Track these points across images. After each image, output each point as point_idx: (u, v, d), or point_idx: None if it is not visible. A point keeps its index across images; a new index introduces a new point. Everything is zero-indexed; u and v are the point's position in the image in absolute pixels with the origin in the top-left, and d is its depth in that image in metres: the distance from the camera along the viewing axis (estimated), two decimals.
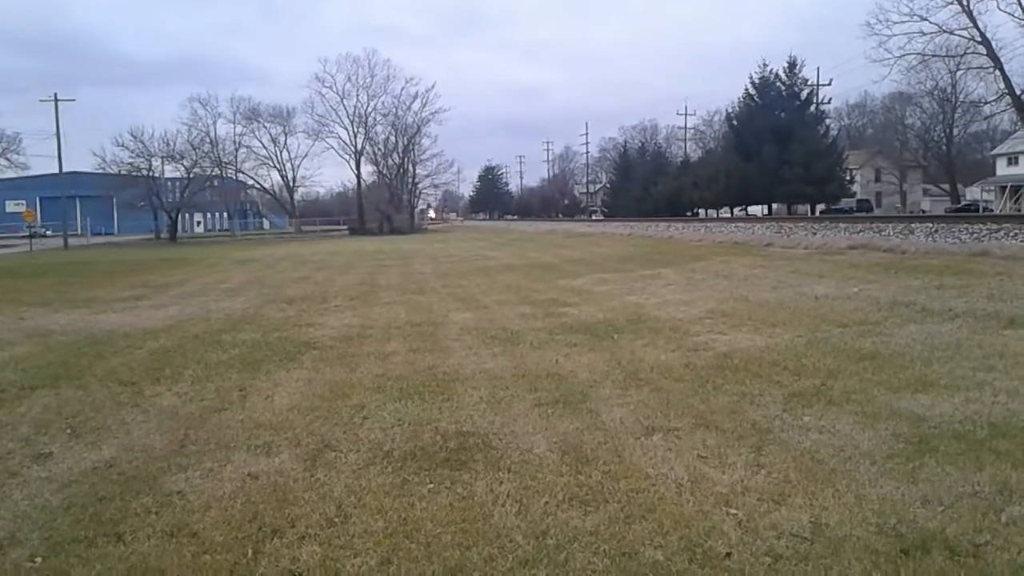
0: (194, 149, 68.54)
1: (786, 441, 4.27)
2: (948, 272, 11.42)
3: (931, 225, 18.11)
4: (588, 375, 6.10)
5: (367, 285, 15.24)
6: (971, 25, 42.91)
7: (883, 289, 10.19)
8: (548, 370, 6.34)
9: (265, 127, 77.97)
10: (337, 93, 72.19)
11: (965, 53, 45.87)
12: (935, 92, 61.58)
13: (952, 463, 3.79)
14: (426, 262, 22.37)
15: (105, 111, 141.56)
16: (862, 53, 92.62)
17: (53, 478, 4.09)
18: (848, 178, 54.96)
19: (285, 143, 79.52)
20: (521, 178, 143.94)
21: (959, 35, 44.29)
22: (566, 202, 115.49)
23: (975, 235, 15.57)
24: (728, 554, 2.96)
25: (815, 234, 20.90)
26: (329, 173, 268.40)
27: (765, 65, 54.35)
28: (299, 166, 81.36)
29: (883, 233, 18.32)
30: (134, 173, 63.34)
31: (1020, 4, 40.79)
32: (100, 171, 64.54)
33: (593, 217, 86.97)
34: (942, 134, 66.34)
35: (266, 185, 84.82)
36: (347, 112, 72.91)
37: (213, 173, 73.57)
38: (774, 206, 56.45)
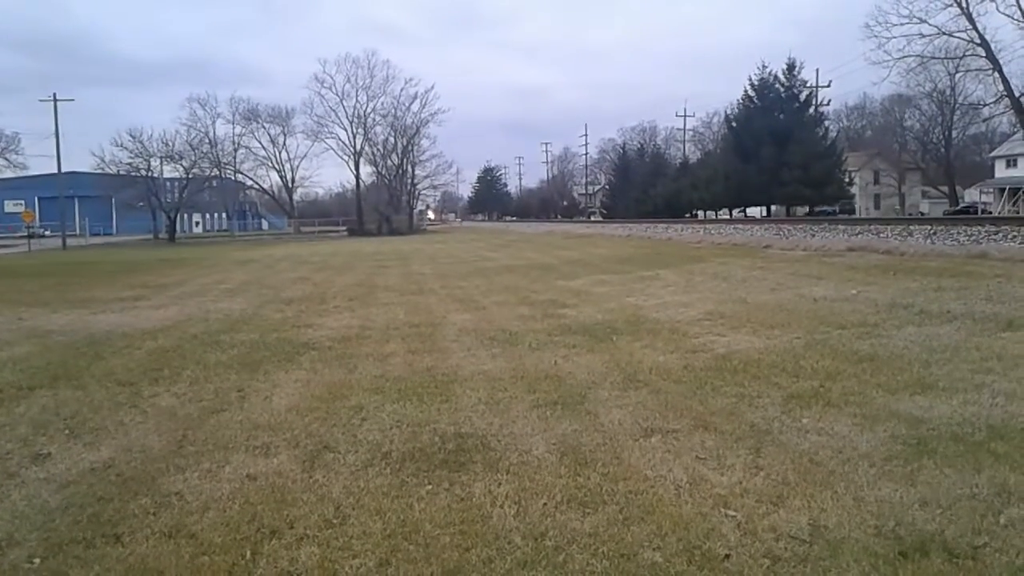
0: (193, 149, 68.64)
1: (785, 443, 4.27)
2: (946, 274, 11.43)
3: (930, 227, 18.14)
4: (587, 376, 6.10)
5: (366, 286, 15.24)
6: (970, 27, 42.96)
7: (882, 291, 10.20)
8: (547, 371, 6.34)
9: (264, 128, 78.02)
10: (336, 94, 72.27)
11: (964, 55, 45.91)
12: (934, 94, 61.68)
13: (950, 465, 3.79)
14: (425, 263, 22.36)
15: (104, 111, 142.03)
16: (861, 55, 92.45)
17: (51, 479, 4.09)
18: (847, 180, 55.06)
19: (284, 144, 79.56)
20: (520, 179, 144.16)
21: (958, 37, 44.34)
22: (565, 203, 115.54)
23: (973, 237, 15.60)
24: (727, 556, 2.96)
25: (814, 236, 20.92)
26: (328, 174, 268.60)
27: (764, 67, 54.44)
28: (298, 167, 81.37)
29: (882, 235, 18.35)
30: (133, 173, 63.34)
31: (1020, 6, 40.83)
32: (99, 171, 64.56)
33: (592, 218, 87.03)
34: (941, 136, 66.40)
35: (265, 186, 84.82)
36: (346, 113, 72.99)
37: (212, 174, 73.57)
38: (773, 208, 56.49)
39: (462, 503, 3.57)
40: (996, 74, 44.65)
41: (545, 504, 3.52)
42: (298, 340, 8.37)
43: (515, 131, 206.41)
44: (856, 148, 75.40)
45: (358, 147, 73.84)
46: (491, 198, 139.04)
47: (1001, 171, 60.40)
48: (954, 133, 66.22)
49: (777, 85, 53.94)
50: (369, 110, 72.93)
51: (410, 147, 73.97)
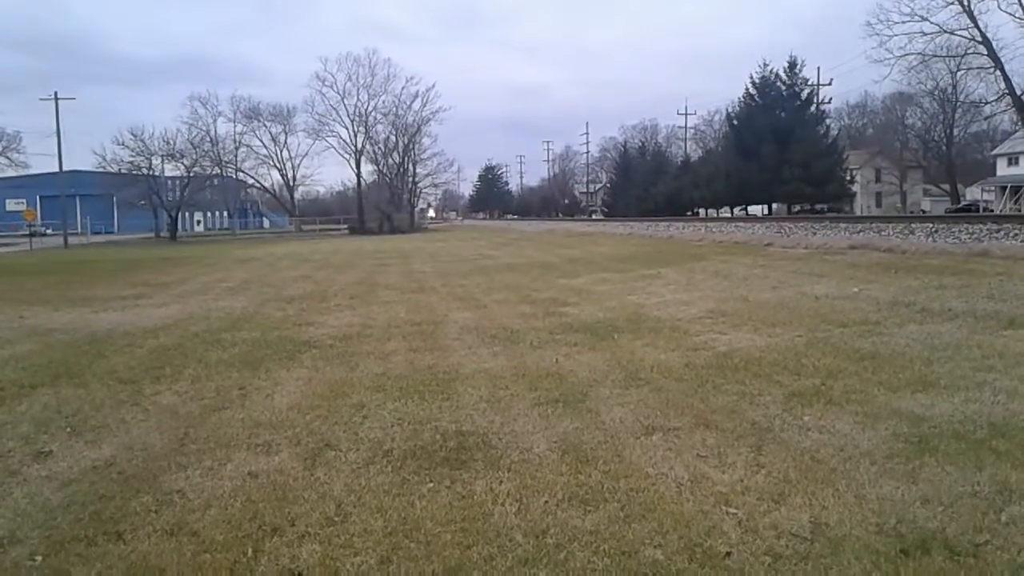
0: (194, 148, 68.67)
1: (786, 441, 4.27)
2: (948, 272, 11.42)
3: (931, 225, 18.10)
4: (588, 374, 6.10)
5: (367, 284, 15.24)
6: (972, 25, 42.96)
7: (883, 289, 10.19)
8: (548, 369, 6.34)
9: (265, 126, 78.17)
10: (337, 92, 72.29)
11: (966, 53, 45.94)
12: (935, 92, 61.61)
13: (952, 463, 3.79)
14: (426, 261, 22.37)
15: (105, 110, 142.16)
16: (863, 53, 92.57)
17: (53, 476, 4.09)
18: (848, 178, 54.99)
19: (285, 142, 79.76)
20: (521, 177, 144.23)
21: (960, 35, 44.36)
22: (566, 201, 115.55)
23: (975, 235, 15.58)
24: (728, 553, 2.96)
25: (815, 234, 20.90)
26: (329, 172, 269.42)
27: (765, 65, 54.47)
28: (299, 165, 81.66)
29: (883, 233, 18.32)
30: (134, 172, 63.40)
31: (1021, 4, 40.81)
32: (100, 170, 64.59)
33: (593, 217, 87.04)
34: (942, 134, 66.34)
35: (266, 184, 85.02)
36: (347, 111, 72.99)
37: (213, 172, 73.69)
38: (774, 206, 56.45)
39: (463, 501, 3.57)
40: (997, 72, 44.67)
41: (546, 502, 3.52)
42: (299, 338, 8.38)
43: (516, 130, 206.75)
44: (857, 146, 75.30)
45: (359, 145, 73.96)
46: (492, 196, 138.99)
47: (1003, 169, 60.29)
48: (955, 131, 66.18)
49: (778, 83, 53.93)
50: (370, 108, 73.03)
51: (411, 145, 74.01)
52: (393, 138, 74.16)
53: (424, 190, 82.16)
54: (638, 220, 47.51)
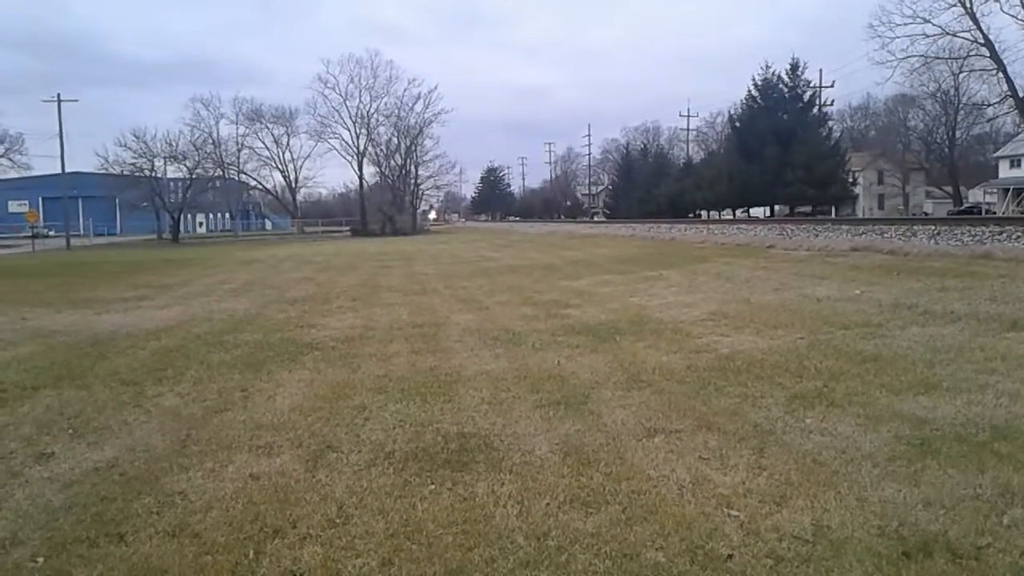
0: (197, 150, 68.80)
1: (788, 443, 4.27)
2: (950, 275, 11.41)
3: (933, 227, 18.12)
4: (590, 377, 6.10)
5: (369, 286, 15.25)
6: (974, 27, 42.96)
7: (885, 291, 10.18)
8: (550, 371, 6.34)
9: (268, 128, 78.33)
10: (340, 94, 72.32)
11: (968, 55, 45.94)
12: (938, 94, 61.65)
13: (954, 466, 3.79)
14: (428, 263, 22.38)
15: (106, 111, 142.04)
16: (865, 55, 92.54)
17: (55, 478, 4.10)
18: (850, 180, 54.97)
19: (288, 144, 79.86)
20: (523, 179, 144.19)
21: (962, 37, 44.35)
22: (568, 203, 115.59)
23: (977, 237, 15.57)
24: (730, 556, 2.96)
25: (817, 236, 20.90)
26: (331, 174, 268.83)
27: (768, 67, 54.49)
28: (301, 167, 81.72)
29: (885, 235, 18.31)
30: (137, 174, 63.48)
31: (1023, 6, 40.76)
32: (103, 171, 64.67)
33: (595, 218, 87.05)
34: (945, 136, 66.31)
35: (268, 186, 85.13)
36: (349, 113, 73.03)
37: (216, 174, 73.79)
38: (776, 208, 56.44)
39: (465, 503, 3.57)
40: (1000, 74, 44.68)
41: (548, 504, 3.52)
42: (302, 340, 8.38)
43: (518, 131, 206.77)
44: (860, 148, 75.30)
45: (361, 147, 74.00)
46: (494, 198, 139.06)
47: (1005, 171, 60.21)
48: (958, 133, 66.14)
49: (781, 85, 53.94)
50: (372, 110, 73.09)
51: (413, 147, 74.03)
52: (395, 140, 74.33)
53: (426, 192, 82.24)
54: (640, 222, 47.54)
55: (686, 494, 3.58)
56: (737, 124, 57.83)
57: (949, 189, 67.35)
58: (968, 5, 42.06)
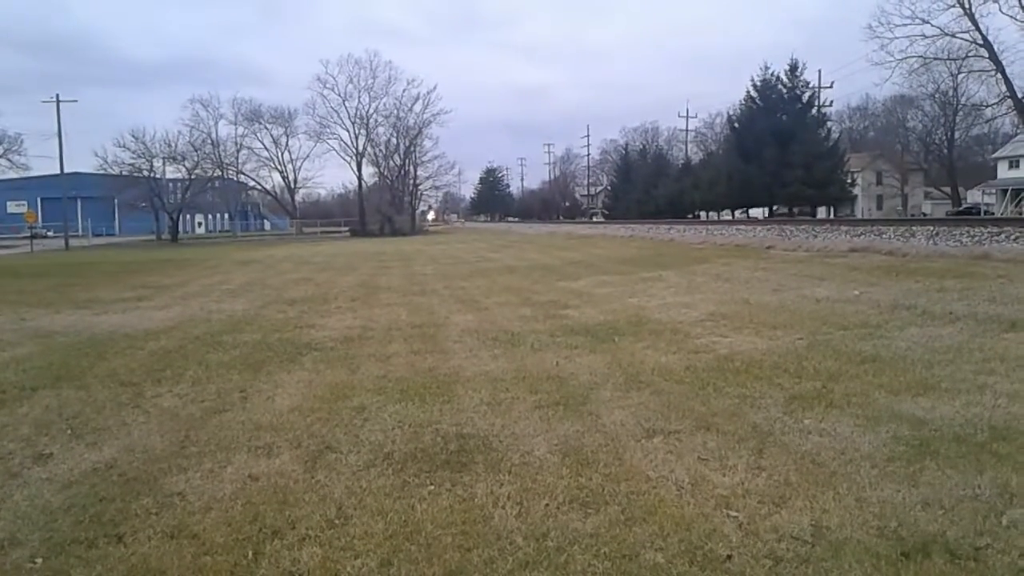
0: (195, 150, 68.79)
1: (787, 444, 4.27)
2: (949, 275, 11.42)
3: (932, 228, 18.13)
4: (589, 377, 6.10)
5: (368, 286, 15.24)
6: (973, 28, 43.00)
7: (884, 292, 10.19)
8: (549, 372, 6.34)
9: (266, 128, 78.22)
10: (339, 94, 72.22)
11: (967, 56, 45.95)
12: (936, 95, 61.71)
13: (953, 466, 3.79)
14: (427, 263, 22.37)
15: (105, 112, 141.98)
16: (864, 56, 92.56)
17: (54, 479, 4.09)
18: (849, 181, 55.03)
19: (286, 144, 79.76)
20: (522, 180, 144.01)
21: (961, 38, 44.37)
22: (567, 204, 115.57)
23: (976, 238, 15.59)
24: (729, 556, 2.96)
25: (816, 237, 20.91)
26: (330, 174, 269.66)
27: (767, 68, 54.58)
28: (300, 167, 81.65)
29: (884, 236, 18.33)
30: (135, 174, 63.50)
31: (1022, 6, 40.82)
32: (101, 172, 64.65)
33: (594, 219, 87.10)
34: (943, 137, 66.41)
35: (267, 186, 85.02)
36: (348, 113, 72.94)
37: (214, 174, 73.73)
38: (775, 208, 56.48)
39: (464, 504, 3.57)
40: (999, 75, 44.72)
41: (547, 505, 3.52)
42: (300, 341, 8.38)
43: (517, 132, 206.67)
44: (859, 149, 75.40)
45: (360, 148, 73.93)
46: (493, 199, 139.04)
47: (1004, 172, 60.27)
48: (957, 134, 66.23)
49: (779, 86, 54.01)
50: (371, 111, 72.98)
51: (412, 148, 73.95)
52: (394, 140, 74.19)
53: (425, 192, 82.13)
54: (639, 222, 47.54)
55: (685, 495, 3.58)
56: (736, 125, 57.90)
57: (948, 190, 67.44)
58: (967, 6, 42.13)
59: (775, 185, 51.08)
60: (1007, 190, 56.65)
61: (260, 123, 77.55)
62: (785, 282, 12.19)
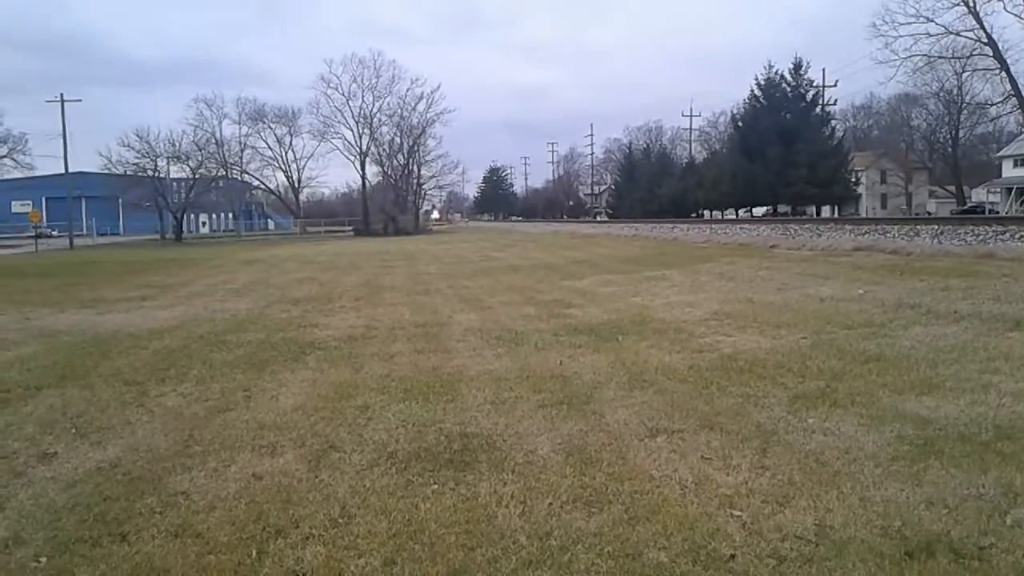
0: (199, 150, 68.97)
1: (790, 443, 4.26)
2: (954, 274, 11.39)
3: (936, 227, 18.08)
4: (592, 376, 6.10)
5: (372, 286, 15.26)
6: (977, 26, 42.97)
7: (888, 291, 10.17)
8: (552, 371, 6.34)
9: (270, 128, 78.40)
10: (342, 94, 72.34)
11: (971, 55, 45.95)
12: (941, 94, 61.55)
13: (957, 465, 3.78)
14: (431, 263, 22.39)
15: (108, 111, 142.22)
16: (868, 54, 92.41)
17: (58, 478, 4.10)
18: (853, 180, 54.91)
19: (290, 144, 79.88)
20: (526, 179, 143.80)
21: (965, 36, 44.35)
22: (571, 203, 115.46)
23: (981, 237, 15.54)
24: (732, 556, 2.96)
25: (820, 236, 20.87)
26: (334, 174, 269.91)
27: (770, 66, 54.48)
28: (304, 167, 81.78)
29: (888, 235, 18.29)
30: (140, 174, 63.67)
31: None
32: (106, 171, 64.77)
33: (598, 218, 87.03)
34: (948, 136, 66.19)
35: (271, 186, 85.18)
36: (352, 113, 73.04)
37: (218, 174, 73.93)
38: (779, 207, 56.40)
39: (467, 503, 3.57)
40: (1003, 73, 44.67)
41: (550, 504, 3.52)
42: (304, 340, 8.39)
43: (520, 131, 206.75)
44: (863, 148, 75.22)
45: (364, 147, 74.02)
46: (497, 198, 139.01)
47: (1008, 171, 60.11)
48: (961, 133, 66.03)
49: (783, 85, 53.92)
50: (375, 110, 73.08)
51: (416, 147, 74.03)
52: (398, 140, 74.27)
53: (429, 192, 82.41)
54: (643, 222, 47.51)
55: (688, 494, 3.58)
56: (740, 124, 57.83)
57: (952, 189, 67.25)
58: (971, 4, 42.09)
59: (779, 184, 51.01)
60: (1012, 189, 56.49)
61: (264, 122, 77.84)
62: (789, 281, 12.17)
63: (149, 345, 8.30)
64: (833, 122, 57.96)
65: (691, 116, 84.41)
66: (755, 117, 54.53)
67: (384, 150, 74.80)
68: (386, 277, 17.50)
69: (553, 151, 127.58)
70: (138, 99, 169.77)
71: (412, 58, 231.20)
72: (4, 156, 67.54)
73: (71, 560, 3.12)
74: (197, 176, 67.00)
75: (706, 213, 64.12)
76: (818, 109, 54.53)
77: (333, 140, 75.25)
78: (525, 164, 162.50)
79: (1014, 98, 45.42)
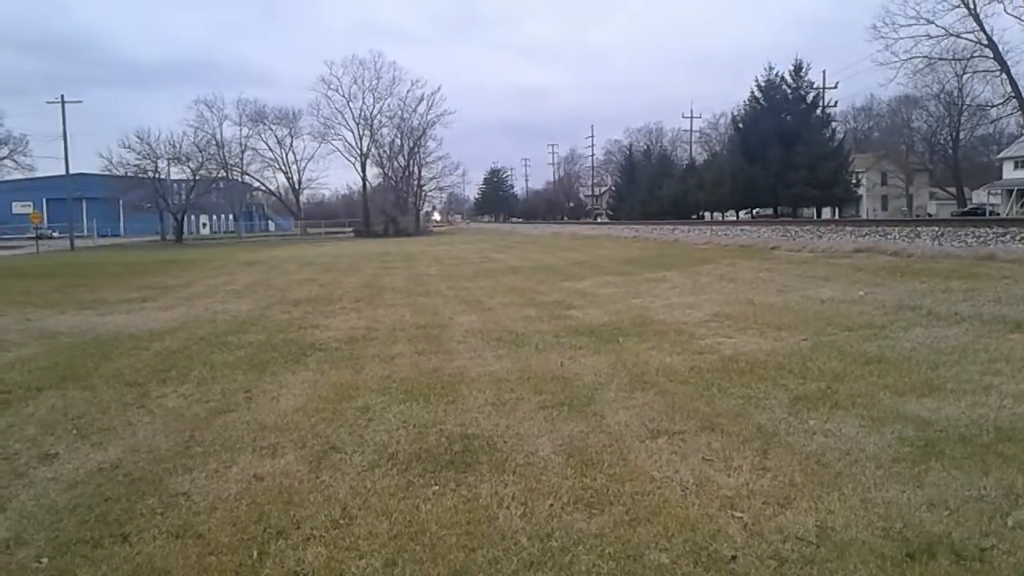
0: (200, 151, 68.91)
1: (791, 444, 4.26)
2: (954, 276, 11.39)
3: (937, 229, 18.09)
4: (593, 378, 6.10)
5: (372, 287, 15.26)
6: (978, 28, 42.97)
7: (889, 293, 10.17)
8: (553, 373, 6.34)
9: (271, 129, 78.33)
10: (343, 95, 72.29)
11: (972, 56, 45.93)
12: (941, 95, 61.58)
13: (958, 467, 3.78)
14: (431, 264, 22.39)
15: (108, 112, 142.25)
16: (868, 56, 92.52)
17: (59, 479, 4.11)
18: (854, 181, 54.93)
19: (291, 145, 79.76)
20: (526, 181, 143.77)
21: (966, 38, 44.34)
22: (571, 205, 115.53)
23: (981, 239, 15.55)
24: (733, 557, 2.96)
25: (820, 237, 20.87)
26: (335, 175, 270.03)
27: (771, 68, 54.55)
28: (304, 168, 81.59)
29: (889, 237, 18.30)
30: (140, 175, 63.64)
31: None
32: (106, 173, 64.75)
33: (598, 220, 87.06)
34: (948, 137, 66.22)
35: (272, 187, 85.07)
36: (353, 114, 72.99)
37: (219, 175, 73.87)
38: (779, 209, 56.39)
39: (468, 504, 3.57)
40: (1004, 75, 44.65)
41: (551, 505, 3.52)
42: (305, 341, 8.39)
43: (519, 133, 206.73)
44: (863, 149, 75.23)
45: (364, 149, 74.00)
46: (497, 200, 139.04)
47: (1009, 172, 60.12)
48: (962, 134, 66.05)
49: (784, 86, 53.97)
50: (375, 112, 73.04)
51: (416, 149, 73.99)
52: (398, 141, 74.23)
53: (429, 193, 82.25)
54: (643, 223, 47.53)
55: (689, 495, 3.58)
56: (740, 125, 57.87)
57: (953, 190, 67.26)
58: (972, 6, 42.09)
59: (779, 186, 51.04)
60: (1012, 191, 56.50)
61: (264, 124, 77.76)
62: (790, 283, 12.17)
63: (150, 346, 8.30)
64: (833, 124, 58.01)
65: (691, 117, 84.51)
66: (755, 119, 54.56)
67: (385, 151, 74.86)
68: (386, 278, 17.50)
69: (553, 152, 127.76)
70: (138, 100, 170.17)
71: (412, 59, 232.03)
72: (5, 157, 67.69)
73: (72, 561, 3.12)
74: (198, 177, 66.97)
75: (706, 215, 64.14)
76: (818, 111, 54.56)
77: (334, 142, 75.27)
78: (525, 165, 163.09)
79: (1014, 100, 45.41)
